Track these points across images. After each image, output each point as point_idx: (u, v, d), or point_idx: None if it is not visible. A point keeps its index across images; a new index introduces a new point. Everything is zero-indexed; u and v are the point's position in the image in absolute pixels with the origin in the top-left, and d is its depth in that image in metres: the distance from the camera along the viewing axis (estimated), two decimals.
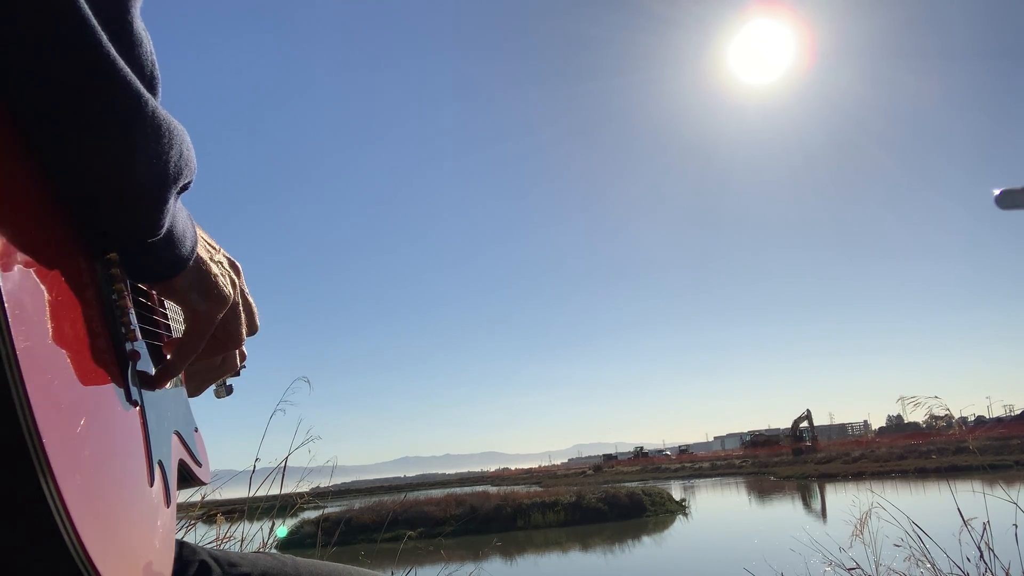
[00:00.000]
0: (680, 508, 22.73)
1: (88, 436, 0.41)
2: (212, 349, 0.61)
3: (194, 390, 0.72)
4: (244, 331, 0.64)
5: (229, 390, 0.82)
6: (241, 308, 0.63)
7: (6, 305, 0.35)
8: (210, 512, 2.77)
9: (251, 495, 2.72)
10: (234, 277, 0.62)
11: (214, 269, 0.58)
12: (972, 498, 3.00)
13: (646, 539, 17.32)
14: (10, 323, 0.35)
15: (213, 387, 0.79)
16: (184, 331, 0.58)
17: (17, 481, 0.35)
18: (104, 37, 0.41)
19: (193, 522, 2.61)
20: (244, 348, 0.68)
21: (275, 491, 2.76)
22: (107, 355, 0.48)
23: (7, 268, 0.36)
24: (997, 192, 1.18)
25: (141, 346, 0.55)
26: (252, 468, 2.69)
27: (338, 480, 3.57)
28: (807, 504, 21.85)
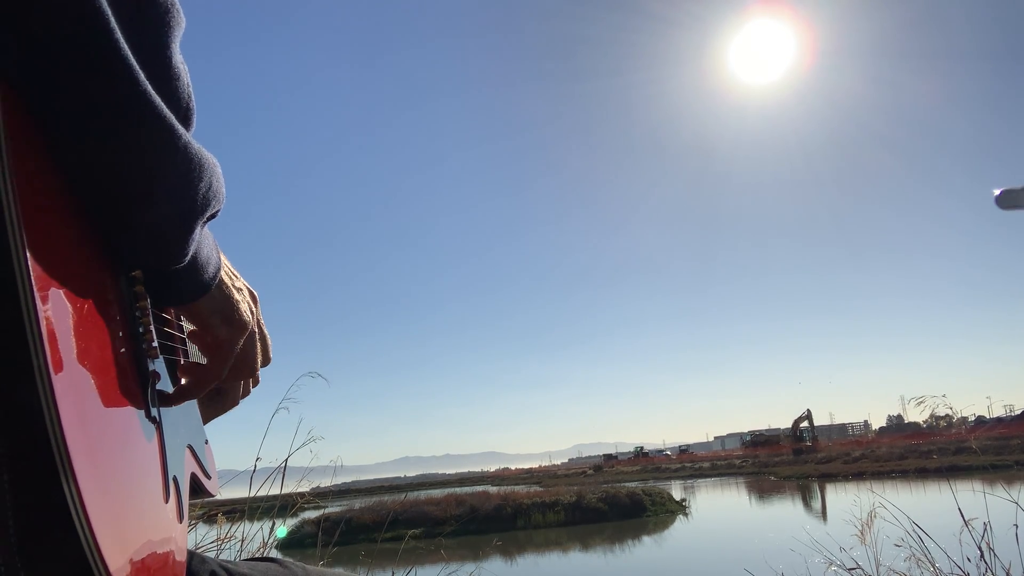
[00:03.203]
0: (680, 508, 22.69)
1: (112, 455, 0.42)
2: (229, 375, 0.62)
3: (206, 417, 0.71)
4: (260, 360, 0.65)
5: None
6: (257, 337, 0.64)
7: (41, 321, 0.35)
8: (211, 512, 2.76)
9: (252, 495, 2.71)
10: (252, 305, 0.63)
11: (236, 295, 0.59)
12: (973, 498, 3.01)
13: (646, 539, 17.30)
14: (44, 339, 0.35)
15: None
16: (207, 358, 0.59)
17: (45, 498, 0.36)
18: (140, 72, 0.41)
19: (194, 522, 2.61)
20: (258, 375, 0.68)
21: (276, 491, 2.76)
22: (130, 373, 0.48)
23: (42, 285, 0.36)
24: (997, 192, 1.18)
25: (160, 364, 0.55)
26: (253, 468, 2.69)
27: (338, 480, 3.57)
28: (807, 504, 21.82)
